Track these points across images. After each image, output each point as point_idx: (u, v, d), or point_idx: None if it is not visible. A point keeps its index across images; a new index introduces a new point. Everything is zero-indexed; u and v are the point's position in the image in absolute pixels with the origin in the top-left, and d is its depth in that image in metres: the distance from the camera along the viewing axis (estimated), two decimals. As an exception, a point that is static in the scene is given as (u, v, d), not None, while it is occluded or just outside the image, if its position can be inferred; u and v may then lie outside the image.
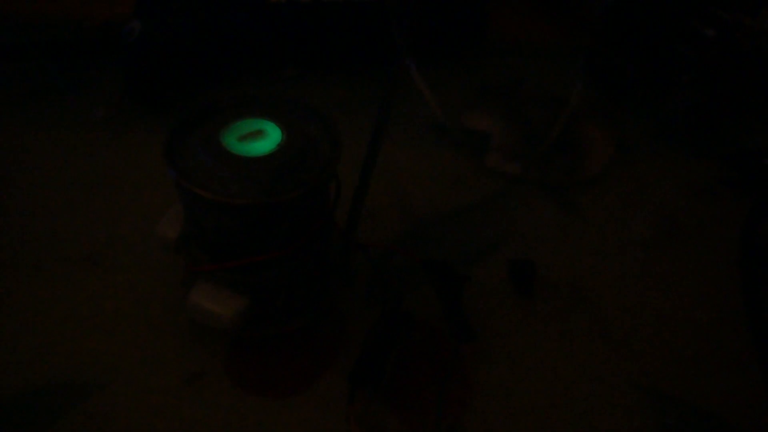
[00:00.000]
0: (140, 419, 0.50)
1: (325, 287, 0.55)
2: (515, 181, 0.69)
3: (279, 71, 0.79)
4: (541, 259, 0.61)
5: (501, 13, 0.89)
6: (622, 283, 0.61)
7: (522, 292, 0.59)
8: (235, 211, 0.46)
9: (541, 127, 0.73)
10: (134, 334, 0.54)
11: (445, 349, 0.54)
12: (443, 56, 0.82)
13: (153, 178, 0.66)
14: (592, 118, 0.75)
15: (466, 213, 0.66)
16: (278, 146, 0.46)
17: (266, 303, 0.51)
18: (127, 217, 0.63)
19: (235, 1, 0.75)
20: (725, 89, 0.75)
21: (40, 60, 0.78)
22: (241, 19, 0.75)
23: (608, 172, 0.71)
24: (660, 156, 0.74)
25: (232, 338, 0.54)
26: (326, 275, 0.55)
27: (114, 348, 0.53)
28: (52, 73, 0.78)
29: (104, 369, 0.52)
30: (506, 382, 0.53)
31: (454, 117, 0.73)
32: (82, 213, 0.63)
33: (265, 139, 0.47)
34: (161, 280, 0.57)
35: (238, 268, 0.49)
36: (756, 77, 0.75)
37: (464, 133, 0.72)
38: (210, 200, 0.44)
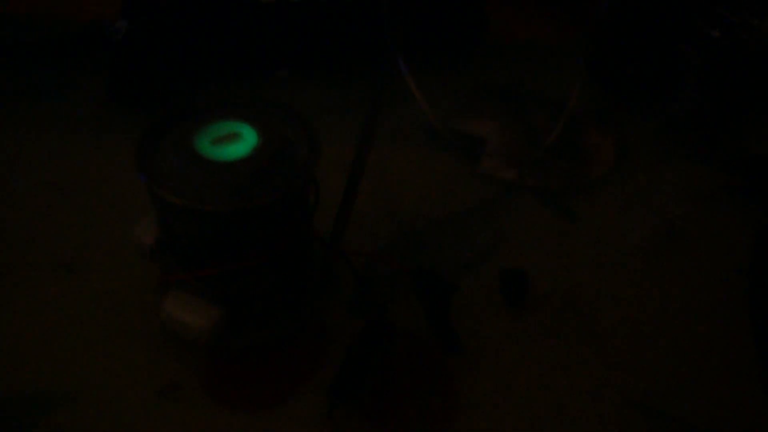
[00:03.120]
0: (111, 432, 0.48)
1: (304, 297, 0.53)
2: (510, 188, 0.67)
3: (272, 72, 0.77)
4: (534, 268, 0.59)
5: (500, 12, 0.87)
6: (619, 294, 0.58)
7: (513, 304, 0.57)
8: (207, 218, 0.44)
9: (540, 130, 0.71)
10: (108, 343, 0.53)
11: (431, 361, 0.52)
12: (441, 56, 0.80)
13: (133, 182, 0.63)
14: (592, 121, 0.73)
15: (457, 220, 0.64)
16: (253, 150, 0.45)
17: (243, 313, 0.49)
18: (105, 221, 0.61)
19: (224, 1, 0.73)
20: (730, 92, 0.73)
21: (25, 58, 0.77)
22: (230, 19, 0.73)
23: (607, 177, 0.68)
24: (661, 161, 0.71)
25: (208, 349, 0.52)
26: (306, 284, 0.53)
27: (86, 357, 0.52)
28: (36, 71, 0.76)
29: (75, 379, 0.50)
30: (494, 396, 0.51)
31: (447, 120, 0.71)
32: (58, 217, 0.61)
33: (240, 142, 0.45)
34: (137, 288, 0.55)
35: (213, 276, 0.47)
36: (762, 80, 0.72)
37: (457, 137, 0.70)
38: (180, 206, 0.43)
